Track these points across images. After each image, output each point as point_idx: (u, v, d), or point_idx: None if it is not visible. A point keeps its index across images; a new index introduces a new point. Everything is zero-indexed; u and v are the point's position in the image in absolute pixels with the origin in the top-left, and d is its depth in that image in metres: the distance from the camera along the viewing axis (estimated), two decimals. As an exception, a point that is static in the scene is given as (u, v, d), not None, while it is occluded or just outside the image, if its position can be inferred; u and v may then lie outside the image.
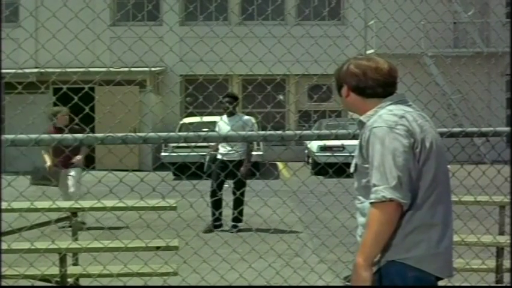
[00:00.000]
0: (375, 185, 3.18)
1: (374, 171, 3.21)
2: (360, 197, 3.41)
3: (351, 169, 3.48)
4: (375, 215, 3.17)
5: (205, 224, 10.20)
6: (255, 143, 10.96)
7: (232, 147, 10.28)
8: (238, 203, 10.34)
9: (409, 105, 3.45)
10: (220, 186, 10.38)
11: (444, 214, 3.34)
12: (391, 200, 3.13)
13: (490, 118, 13.63)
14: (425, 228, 3.26)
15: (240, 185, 10.22)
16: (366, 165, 3.30)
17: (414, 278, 3.24)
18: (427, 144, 3.29)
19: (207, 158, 10.91)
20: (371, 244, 3.19)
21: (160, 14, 22.56)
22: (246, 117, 10.84)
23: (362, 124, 3.43)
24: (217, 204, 10.40)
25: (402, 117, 3.30)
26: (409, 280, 3.24)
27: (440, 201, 3.33)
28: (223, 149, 10.60)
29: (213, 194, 10.32)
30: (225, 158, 10.50)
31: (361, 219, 3.37)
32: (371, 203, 3.20)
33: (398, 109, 3.36)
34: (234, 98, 10.67)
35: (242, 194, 10.05)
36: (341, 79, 3.54)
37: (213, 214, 10.45)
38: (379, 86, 3.43)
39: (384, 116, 3.31)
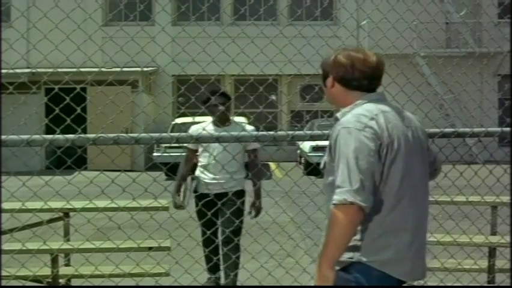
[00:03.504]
0: (338, 187, 3.13)
1: (338, 172, 3.16)
2: (326, 195, 3.36)
3: (321, 165, 3.43)
4: (336, 217, 3.11)
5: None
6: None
7: (226, 173, 6.79)
8: (234, 261, 6.74)
9: (387, 104, 3.39)
10: (215, 232, 6.91)
11: (418, 218, 3.31)
12: (352, 203, 3.08)
13: (482, 118, 13.67)
14: (395, 232, 3.23)
15: (234, 231, 6.68)
16: (334, 164, 3.25)
17: (378, 278, 3.21)
18: (395, 147, 3.23)
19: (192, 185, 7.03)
20: (333, 246, 3.13)
21: (152, 14, 22.55)
22: (248, 127, 7.11)
23: (337, 120, 3.37)
24: (214, 254, 6.83)
25: (372, 119, 3.24)
26: (374, 278, 3.21)
27: (415, 204, 3.29)
28: (208, 175, 6.97)
29: (207, 242, 6.82)
30: (214, 191, 6.90)
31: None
32: (333, 204, 3.14)
33: (373, 109, 3.30)
34: (227, 98, 7.10)
35: (236, 248, 6.79)
36: (327, 69, 3.49)
37: (208, 263, 7.04)
38: (365, 79, 3.38)
39: (355, 116, 3.26)
